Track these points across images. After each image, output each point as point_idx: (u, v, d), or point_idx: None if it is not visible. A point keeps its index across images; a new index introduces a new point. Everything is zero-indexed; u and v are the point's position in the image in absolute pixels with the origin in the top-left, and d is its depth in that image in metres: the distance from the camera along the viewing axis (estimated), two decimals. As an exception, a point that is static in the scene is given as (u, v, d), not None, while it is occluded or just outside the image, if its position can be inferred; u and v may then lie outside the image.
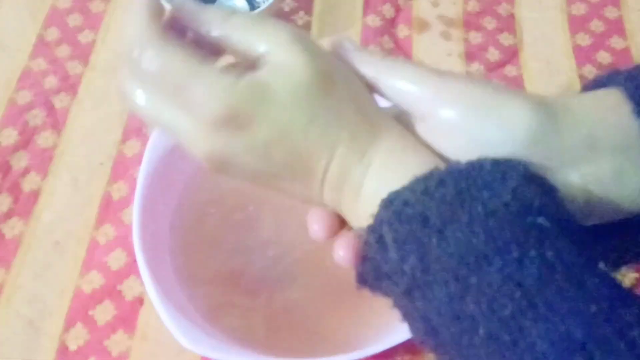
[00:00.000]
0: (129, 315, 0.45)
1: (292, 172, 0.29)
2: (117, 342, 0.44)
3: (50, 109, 0.55)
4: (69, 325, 0.44)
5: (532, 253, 0.25)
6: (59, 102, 0.55)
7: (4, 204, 0.49)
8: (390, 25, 0.62)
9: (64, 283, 0.46)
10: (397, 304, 0.28)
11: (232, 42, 0.29)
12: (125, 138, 0.53)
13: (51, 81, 0.56)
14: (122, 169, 0.52)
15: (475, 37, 0.61)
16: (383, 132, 0.29)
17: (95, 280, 0.46)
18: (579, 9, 0.61)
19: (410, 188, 0.27)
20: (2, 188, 0.50)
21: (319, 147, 0.28)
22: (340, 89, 0.28)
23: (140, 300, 0.45)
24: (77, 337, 0.44)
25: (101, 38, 0.60)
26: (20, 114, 0.54)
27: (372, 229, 0.27)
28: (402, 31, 0.61)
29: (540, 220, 0.26)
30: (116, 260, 0.47)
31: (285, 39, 0.28)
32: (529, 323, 0.24)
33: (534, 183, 0.27)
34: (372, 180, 0.28)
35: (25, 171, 0.51)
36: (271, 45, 0.28)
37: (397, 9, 0.63)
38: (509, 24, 0.62)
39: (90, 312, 0.45)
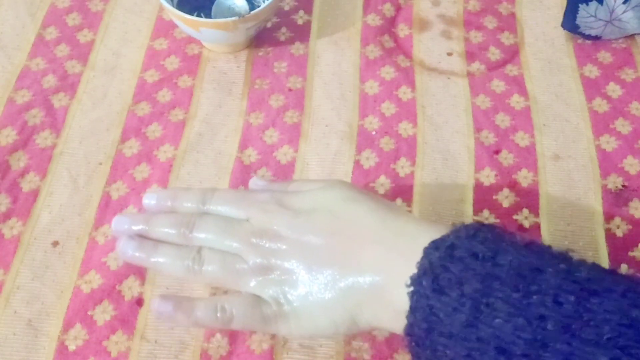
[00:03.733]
0: (128, 315, 0.44)
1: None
2: (116, 342, 0.43)
3: (49, 108, 0.55)
4: (68, 325, 0.44)
5: (577, 260, 0.33)
6: (58, 101, 0.55)
7: (2, 204, 0.49)
8: (390, 24, 0.61)
9: (63, 283, 0.46)
10: (456, 346, 0.32)
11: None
12: (124, 138, 0.53)
13: (50, 81, 0.56)
14: (121, 169, 0.52)
15: (476, 36, 0.60)
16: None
17: (94, 280, 0.46)
18: (580, 8, 0.61)
19: (453, 235, 0.34)
20: (0, 188, 0.50)
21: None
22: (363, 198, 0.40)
23: (139, 301, 0.45)
24: (76, 338, 0.44)
25: (100, 37, 0.59)
26: (19, 113, 0.54)
27: (422, 275, 0.33)
28: (402, 30, 0.61)
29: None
30: (115, 260, 0.46)
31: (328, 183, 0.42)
32: (591, 306, 0.29)
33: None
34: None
35: (24, 171, 0.51)
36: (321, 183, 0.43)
37: (398, 8, 0.63)
38: (509, 23, 0.62)
39: (90, 313, 0.45)
